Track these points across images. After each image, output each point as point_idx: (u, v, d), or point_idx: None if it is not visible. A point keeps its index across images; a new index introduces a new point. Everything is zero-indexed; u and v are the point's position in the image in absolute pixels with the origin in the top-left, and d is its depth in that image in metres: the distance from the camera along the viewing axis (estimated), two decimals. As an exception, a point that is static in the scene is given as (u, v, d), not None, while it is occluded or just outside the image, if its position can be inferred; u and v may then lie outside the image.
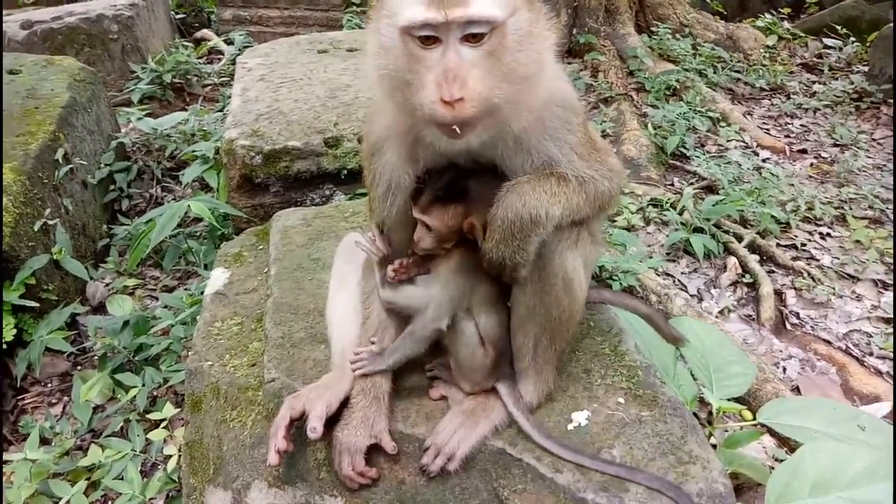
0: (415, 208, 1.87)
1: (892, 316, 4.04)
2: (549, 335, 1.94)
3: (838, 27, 8.17)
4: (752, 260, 4.42)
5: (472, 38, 1.54)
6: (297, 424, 1.95)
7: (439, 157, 1.83)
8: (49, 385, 3.57)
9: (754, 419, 2.56)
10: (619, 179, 1.97)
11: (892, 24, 6.80)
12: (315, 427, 1.88)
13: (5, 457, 2.98)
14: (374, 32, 1.69)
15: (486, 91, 1.55)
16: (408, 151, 1.87)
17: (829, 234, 4.84)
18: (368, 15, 1.80)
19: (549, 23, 1.77)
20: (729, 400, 2.57)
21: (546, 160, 1.81)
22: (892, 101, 6.69)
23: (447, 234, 1.89)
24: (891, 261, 4.50)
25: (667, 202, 4.96)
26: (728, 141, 6.11)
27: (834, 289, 4.23)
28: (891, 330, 3.96)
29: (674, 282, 4.33)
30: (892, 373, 3.64)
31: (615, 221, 4.69)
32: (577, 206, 1.83)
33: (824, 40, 8.20)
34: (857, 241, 4.67)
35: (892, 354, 3.78)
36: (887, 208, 5.09)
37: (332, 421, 1.94)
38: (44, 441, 3.10)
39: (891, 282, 4.35)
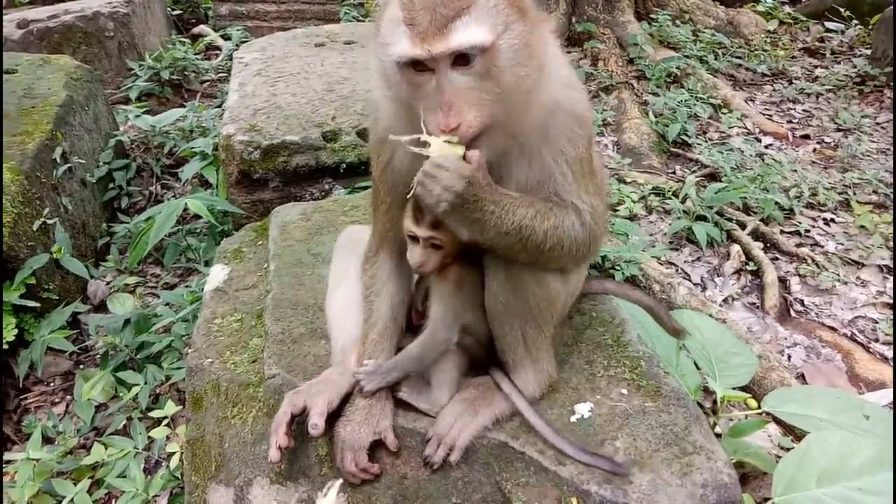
0: (418, 229, 1.82)
1: (893, 302, 4.01)
2: (535, 324, 1.92)
3: (840, 10, 8.09)
4: (756, 247, 4.39)
5: (463, 63, 1.52)
6: (298, 420, 1.94)
7: None
8: (51, 384, 3.57)
9: (759, 408, 2.54)
10: (598, 223, 1.87)
11: (893, 7, 6.73)
12: (316, 424, 1.87)
13: (8, 456, 2.98)
14: (374, 56, 1.69)
15: (481, 115, 1.56)
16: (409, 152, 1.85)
17: (833, 220, 4.81)
18: (369, 22, 1.80)
19: (550, 29, 1.75)
20: (733, 389, 2.55)
21: (540, 169, 1.78)
22: (894, 84, 6.63)
23: (457, 247, 1.85)
24: (894, 246, 4.47)
25: (669, 190, 4.92)
26: (730, 128, 6.07)
27: (838, 275, 4.19)
28: (894, 316, 3.94)
29: (677, 271, 4.31)
30: (894, 360, 3.61)
31: (617, 211, 4.66)
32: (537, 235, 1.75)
33: (826, 24, 8.13)
34: (862, 227, 4.64)
35: (893, 341, 3.76)
36: (891, 193, 5.05)
37: (332, 417, 1.93)
38: (47, 440, 3.11)
39: (894, 267, 4.32)
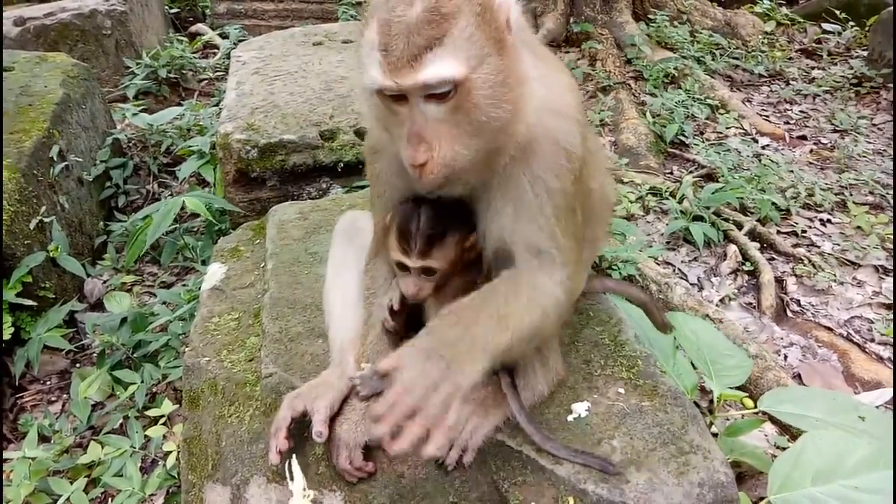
0: (409, 260, 1.78)
1: (892, 302, 4.02)
2: None
3: (837, 12, 8.11)
4: (753, 247, 4.40)
5: (437, 96, 1.46)
6: (297, 421, 1.93)
7: None
8: (48, 383, 3.56)
9: (755, 407, 2.55)
10: (574, 274, 1.79)
11: (891, 9, 6.75)
12: (321, 432, 1.87)
13: (4, 455, 2.97)
14: (357, 76, 1.62)
15: (452, 152, 1.50)
16: (397, 167, 1.80)
17: (829, 221, 4.82)
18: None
19: (536, 50, 1.68)
20: (730, 388, 2.56)
21: (519, 200, 1.69)
22: (891, 85, 6.65)
23: (451, 267, 1.82)
24: (891, 246, 4.48)
25: (666, 190, 4.93)
26: (727, 128, 6.08)
27: (835, 275, 4.21)
28: (892, 316, 3.95)
29: (674, 271, 4.31)
30: (893, 359, 3.63)
31: (615, 211, 4.66)
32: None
33: (823, 25, 8.14)
34: (858, 227, 4.65)
35: (892, 341, 3.77)
36: (888, 194, 5.06)
37: (331, 417, 1.93)
38: (43, 439, 3.10)
39: (892, 267, 4.33)
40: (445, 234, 1.78)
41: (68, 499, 2.69)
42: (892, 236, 4.54)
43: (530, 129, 1.64)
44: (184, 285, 3.82)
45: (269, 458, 1.86)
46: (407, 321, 2.03)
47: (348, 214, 2.34)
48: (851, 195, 5.03)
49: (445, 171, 1.52)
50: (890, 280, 4.22)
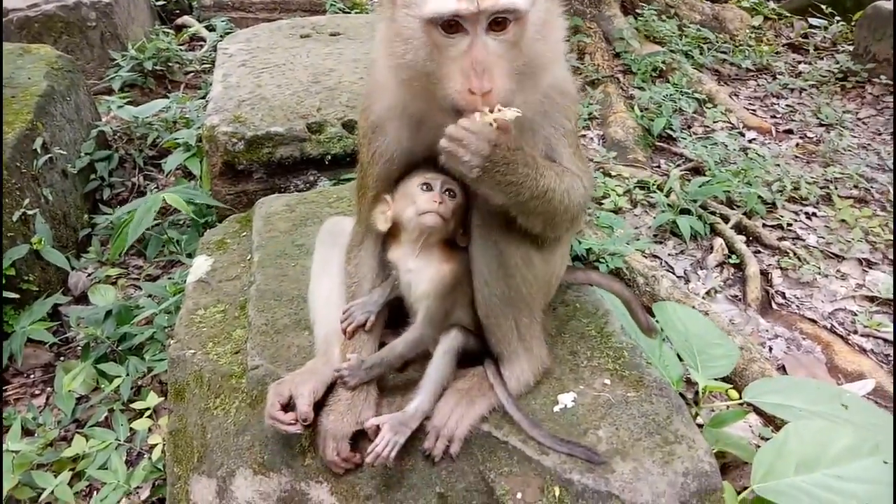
0: (435, 175, 1.85)
1: (876, 294, 4.06)
2: (528, 311, 1.95)
3: (823, 7, 8.16)
4: (739, 241, 4.43)
5: (497, 28, 1.54)
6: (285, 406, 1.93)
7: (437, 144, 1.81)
8: (31, 376, 3.53)
9: (740, 398, 2.57)
10: (591, 186, 1.95)
11: (877, 4, 6.80)
12: (305, 412, 1.87)
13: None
14: (388, 22, 1.67)
15: (511, 82, 1.58)
16: (409, 133, 1.87)
17: (814, 214, 4.86)
18: (379, 2, 1.79)
19: (562, 11, 1.76)
20: (715, 380, 2.58)
21: (545, 144, 1.85)
22: (877, 80, 6.70)
23: (458, 215, 1.89)
24: (875, 239, 4.52)
25: (653, 184, 4.95)
26: (714, 122, 6.11)
27: (819, 268, 4.24)
28: (875, 308, 3.99)
29: (661, 263, 4.33)
30: (893, 360, 3.66)
31: (602, 204, 4.68)
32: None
33: (810, 20, 8.19)
34: (843, 221, 4.69)
35: (876, 332, 3.81)
36: (872, 187, 5.11)
37: (317, 406, 1.92)
38: (27, 432, 3.08)
39: (875, 260, 4.38)
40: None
41: (52, 492, 2.68)
42: (876, 229, 4.58)
43: (556, 74, 1.80)
44: (169, 278, 3.79)
45: (291, 430, 1.88)
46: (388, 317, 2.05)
47: (331, 220, 2.42)
48: (836, 189, 5.08)
49: (502, 101, 1.56)
50: (874, 272, 4.26)
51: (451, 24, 1.53)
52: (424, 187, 1.87)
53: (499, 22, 1.53)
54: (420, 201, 1.86)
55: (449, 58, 1.56)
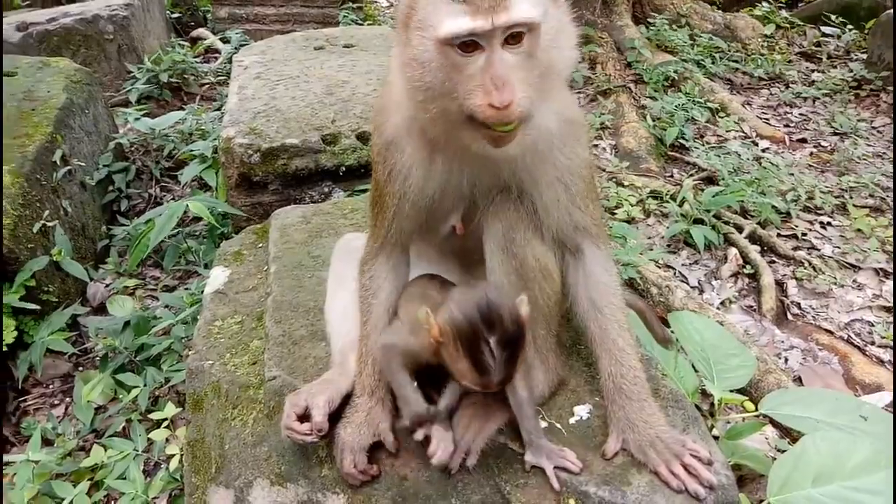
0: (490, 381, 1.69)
1: (893, 304, 4.03)
2: (545, 323, 1.95)
3: (836, 15, 8.14)
4: (753, 250, 4.41)
5: (513, 42, 1.55)
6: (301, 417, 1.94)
7: (455, 164, 1.83)
8: (51, 386, 3.57)
9: (756, 410, 2.55)
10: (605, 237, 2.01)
11: (889, 12, 6.77)
12: (320, 423, 1.87)
13: (8, 458, 2.98)
14: (402, 47, 1.67)
15: (529, 94, 1.58)
16: (426, 152, 1.85)
17: (829, 224, 4.83)
18: (393, 26, 1.80)
19: (572, 19, 1.77)
20: (731, 391, 2.56)
21: (561, 171, 1.85)
22: (891, 88, 6.66)
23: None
24: (892, 249, 4.49)
25: (667, 194, 4.94)
26: (727, 131, 6.10)
27: (835, 278, 4.22)
28: (892, 319, 3.95)
29: (674, 274, 4.32)
30: (893, 360, 3.63)
31: (615, 214, 4.68)
32: None
33: (822, 28, 8.17)
34: (858, 230, 4.66)
35: (893, 343, 3.78)
36: (888, 196, 5.08)
37: (333, 418, 1.93)
38: (46, 442, 3.11)
39: (892, 270, 4.34)
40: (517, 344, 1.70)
41: (71, 502, 2.71)
42: (891, 239, 4.55)
43: (557, 97, 1.79)
44: (186, 289, 3.83)
45: (307, 440, 1.88)
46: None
47: (346, 237, 2.45)
48: (851, 198, 5.05)
49: (523, 113, 1.57)
50: (890, 283, 4.23)
51: (468, 43, 1.54)
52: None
53: (514, 35, 1.54)
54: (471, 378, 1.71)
55: (467, 76, 1.56)
